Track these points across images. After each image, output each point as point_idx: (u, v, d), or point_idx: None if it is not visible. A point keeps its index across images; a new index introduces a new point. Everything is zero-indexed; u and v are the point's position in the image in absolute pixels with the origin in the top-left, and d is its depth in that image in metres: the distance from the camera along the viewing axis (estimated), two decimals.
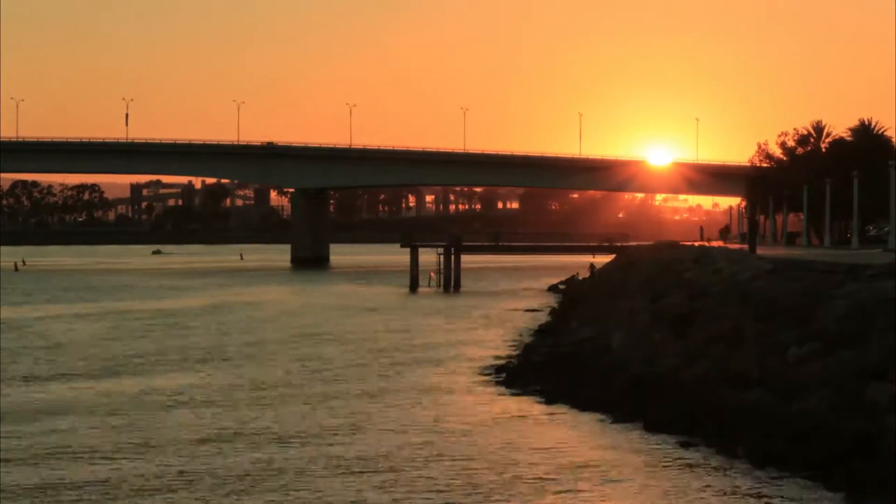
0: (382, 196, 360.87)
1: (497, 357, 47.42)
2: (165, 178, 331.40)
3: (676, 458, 25.68)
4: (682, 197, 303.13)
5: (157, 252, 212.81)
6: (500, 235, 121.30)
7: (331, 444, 28.43)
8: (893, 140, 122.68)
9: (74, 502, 22.59)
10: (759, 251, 69.01)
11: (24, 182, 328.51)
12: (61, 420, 32.04)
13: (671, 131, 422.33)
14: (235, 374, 43.00)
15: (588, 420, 31.09)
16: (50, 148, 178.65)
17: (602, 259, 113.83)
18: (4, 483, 23.90)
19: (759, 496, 22.18)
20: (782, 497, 21.97)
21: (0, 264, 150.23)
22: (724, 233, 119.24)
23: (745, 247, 74.39)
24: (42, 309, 76.43)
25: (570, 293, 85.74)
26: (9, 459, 26.36)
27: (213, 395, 37.11)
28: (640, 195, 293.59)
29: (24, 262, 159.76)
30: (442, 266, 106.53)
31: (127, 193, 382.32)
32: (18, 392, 37.95)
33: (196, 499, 22.75)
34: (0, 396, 36.61)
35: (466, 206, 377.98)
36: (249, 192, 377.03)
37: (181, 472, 24.98)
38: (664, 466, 25.08)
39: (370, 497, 22.85)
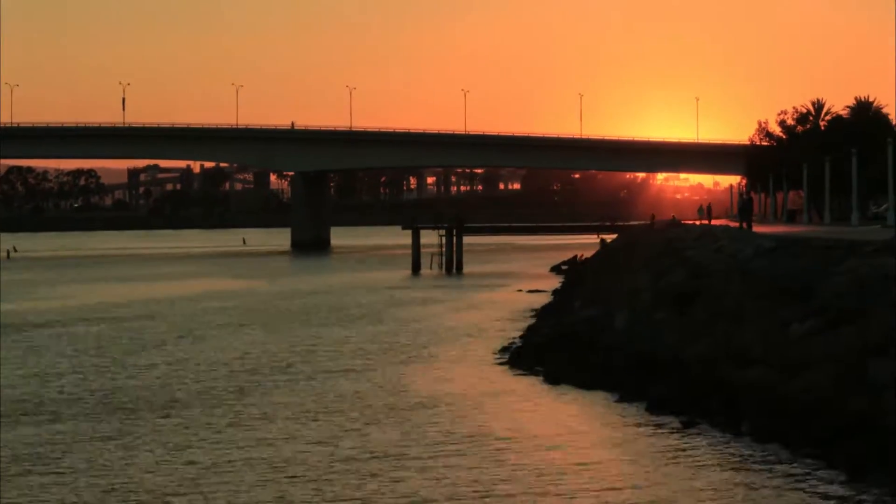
0: (383, 178, 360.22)
1: (501, 338, 47.61)
2: (163, 163, 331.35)
3: (679, 436, 25.84)
4: (683, 176, 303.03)
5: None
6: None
7: (339, 425, 28.68)
8: (892, 117, 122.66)
9: None
10: (761, 229, 69.04)
11: (20, 168, 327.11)
12: None
13: (671, 111, 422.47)
14: None
15: (592, 399, 31.24)
16: (45, 133, 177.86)
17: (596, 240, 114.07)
18: None
19: (761, 472, 22.31)
20: (785, 474, 22.09)
21: None
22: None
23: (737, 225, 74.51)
24: None
25: (573, 273, 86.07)
26: None
27: None
28: (641, 174, 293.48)
29: (14, 249, 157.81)
30: (444, 248, 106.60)
31: (124, 178, 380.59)
32: None
33: None
34: None
35: (468, 188, 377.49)
36: (249, 176, 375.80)
37: None
38: (667, 444, 25.23)
39: (375, 474, 23.09)
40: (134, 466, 24.33)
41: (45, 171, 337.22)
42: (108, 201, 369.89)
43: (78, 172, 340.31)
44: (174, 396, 33.75)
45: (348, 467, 23.92)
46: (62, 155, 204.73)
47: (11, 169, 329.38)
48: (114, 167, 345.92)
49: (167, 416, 30.36)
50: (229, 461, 24.67)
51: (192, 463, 24.62)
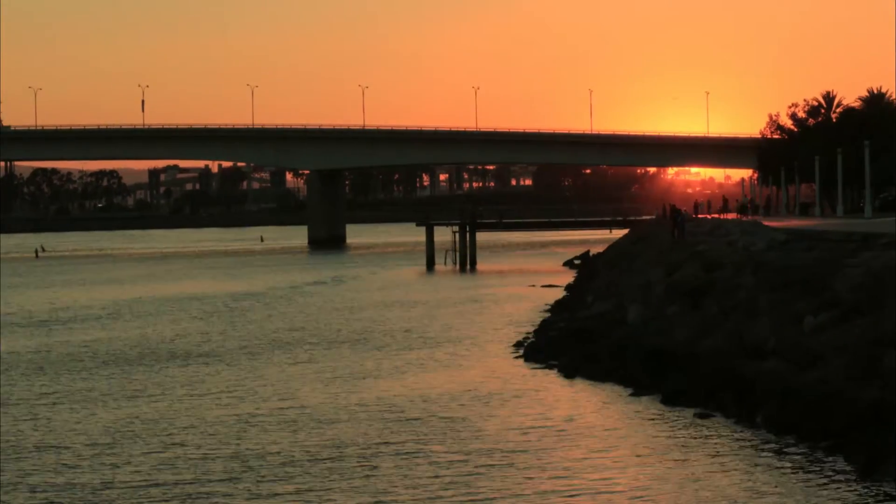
0: (397, 176, 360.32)
1: (515, 333, 47.77)
2: (182, 163, 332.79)
3: (694, 429, 25.98)
4: (693, 170, 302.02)
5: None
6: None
7: (366, 416, 28.99)
8: None
9: None
10: (773, 223, 69.13)
11: (45, 170, 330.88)
12: None
13: (682, 105, 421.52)
14: None
15: (607, 392, 31.41)
16: (68, 136, 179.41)
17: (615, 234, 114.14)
18: None
19: (775, 464, 22.47)
20: (799, 465, 22.23)
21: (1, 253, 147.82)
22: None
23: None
24: None
25: (586, 268, 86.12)
26: None
27: None
28: (652, 169, 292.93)
29: (42, 248, 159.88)
30: (457, 244, 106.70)
31: (145, 179, 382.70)
32: None
33: None
34: None
35: (480, 184, 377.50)
36: (266, 175, 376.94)
37: None
38: (682, 436, 25.41)
39: (395, 458, 23.38)
40: None
41: (70, 173, 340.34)
42: (130, 201, 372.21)
43: (100, 174, 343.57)
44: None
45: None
46: (85, 156, 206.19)
47: (37, 171, 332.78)
48: (135, 168, 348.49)
49: None
50: None
51: None
